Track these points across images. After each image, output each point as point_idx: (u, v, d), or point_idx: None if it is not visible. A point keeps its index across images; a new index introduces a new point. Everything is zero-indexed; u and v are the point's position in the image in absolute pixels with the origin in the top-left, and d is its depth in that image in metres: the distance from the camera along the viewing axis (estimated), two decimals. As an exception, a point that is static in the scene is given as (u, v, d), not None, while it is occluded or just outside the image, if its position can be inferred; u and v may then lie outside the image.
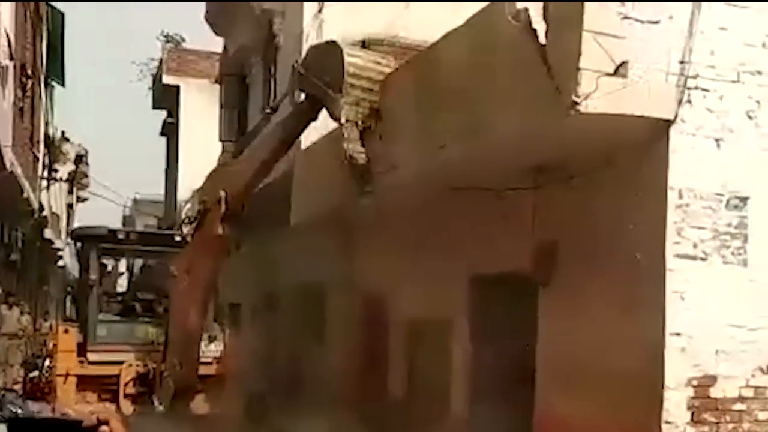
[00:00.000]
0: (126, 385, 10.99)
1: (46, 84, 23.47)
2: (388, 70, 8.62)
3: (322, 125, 11.40)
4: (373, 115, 8.42)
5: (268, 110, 11.56)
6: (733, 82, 6.20)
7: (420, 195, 8.78)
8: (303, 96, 9.14)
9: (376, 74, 8.52)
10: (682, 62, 6.13)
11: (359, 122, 8.45)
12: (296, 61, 9.29)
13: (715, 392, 5.91)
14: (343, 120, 8.40)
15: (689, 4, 6.15)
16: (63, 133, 26.39)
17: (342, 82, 8.26)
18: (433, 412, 8.74)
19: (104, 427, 1.47)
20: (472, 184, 7.76)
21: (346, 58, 8.29)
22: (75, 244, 13.02)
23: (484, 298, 8.30)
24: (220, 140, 16.94)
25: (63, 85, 24.67)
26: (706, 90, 6.16)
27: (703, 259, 6.00)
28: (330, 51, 8.65)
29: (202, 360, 10.71)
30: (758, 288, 6.04)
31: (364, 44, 11.98)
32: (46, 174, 24.89)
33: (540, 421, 7.09)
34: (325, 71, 8.55)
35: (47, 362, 12.77)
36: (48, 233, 25.10)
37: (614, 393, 6.19)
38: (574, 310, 6.82)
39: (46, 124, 24.82)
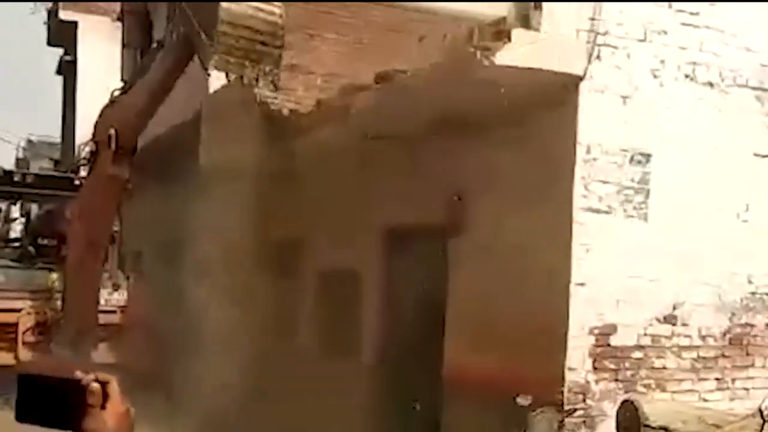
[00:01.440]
0: (24, 333, 10.65)
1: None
2: (270, 18, 8.14)
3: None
4: (247, 64, 7.95)
5: (155, 45, 11.08)
6: (640, 40, 6.36)
7: (333, 143, 8.72)
8: (180, 29, 8.67)
9: (256, 23, 8.04)
10: (592, 19, 6.25)
11: (228, 73, 8.02)
12: None
13: (615, 340, 6.18)
14: (210, 70, 8.00)
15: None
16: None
17: (214, 29, 7.83)
18: (343, 362, 8.83)
19: (95, 385, 1.39)
20: (385, 133, 7.75)
21: (223, 5, 7.84)
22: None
23: (395, 249, 8.38)
24: (122, 81, 16.36)
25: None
26: (615, 47, 6.31)
27: (607, 213, 6.20)
28: None
29: (106, 309, 10.47)
30: (658, 241, 6.30)
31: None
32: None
33: (449, 370, 7.26)
34: (201, 13, 8.09)
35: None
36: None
37: (520, 341, 6.38)
38: (483, 262, 6.96)
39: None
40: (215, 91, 11.42)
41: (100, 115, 9.62)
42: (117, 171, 9.13)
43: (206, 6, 7.90)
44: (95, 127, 9.70)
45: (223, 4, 7.65)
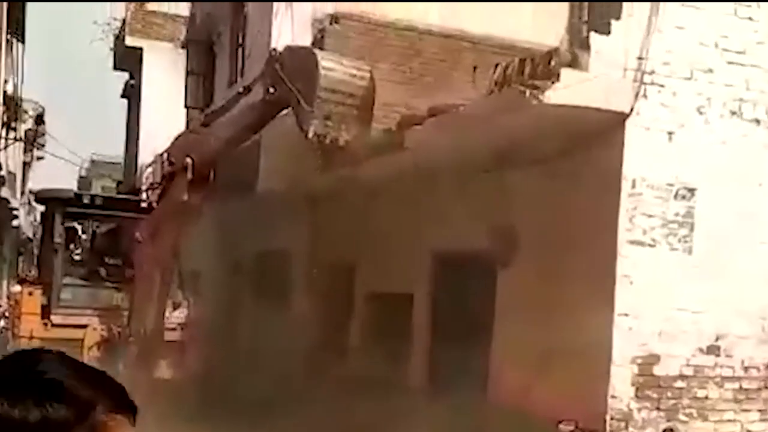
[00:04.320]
0: (90, 349, 11.13)
1: (7, 41, 23.12)
2: (363, 83, 8.41)
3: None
4: (343, 128, 8.31)
5: (240, 90, 11.61)
6: (686, 79, 6.57)
7: (387, 172, 9.03)
8: (273, 89, 9.04)
9: (350, 87, 8.38)
10: (639, 58, 6.48)
11: (326, 136, 8.37)
12: (273, 50, 9.27)
13: (658, 370, 6.34)
14: (310, 135, 8.34)
15: (648, 2, 6.49)
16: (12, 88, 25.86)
17: (314, 95, 8.12)
18: (392, 384, 9.09)
19: None
20: (439, 165, 8.04)
21: (321, 71, 8.16)
22: (31, 205, 12.95)
23: (445, 275, 8.64)
24: (185, 107, 16.97)
25: (23, 42, 24.32)
26: (661, 86, 6.53)
27: (651, 246, 6.40)
28: (306, 58, 8.49)
29: (167, 326, 10.90)
30: (701, 274, 6.46)
31: (334, 19, 12.16)
32: (4, 133, 24.59)
33: (495, 391, 7.48)
34: (298, 77, 8.41)
35: (1, 323, 12.82)
36: (5, 192, 24.89)
37: (565, 368, 6.58)
38: (530, 289, 7.19)
39: (6, 81, 24.46)
40: (274, 120, 11.86)
41: (177, 141, 10.11)
42: (191, 198, 9.59)
43: (304, 70, 8.31)
44: (171, 151, 10.18)
45: (323, 71, 8.04)
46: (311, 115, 8.06)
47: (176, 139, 10.09)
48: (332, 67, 8.20)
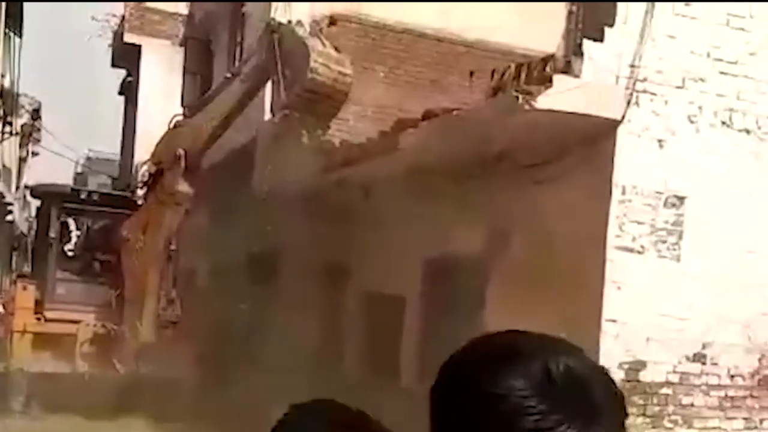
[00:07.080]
0: (82, 344, 11.17)
1: (4, 35, 23.12)
2: (342, 88, 8.64)
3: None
4: (307, 118, 8.68)
5: (228, 74, 11.71)
6: (678, 87, 6.63)
7: (379, 173, 9.09)
8: (263, 56, 9.24)
9: (328, 90, 8.56)
10: (632, 66, 6.54)
11: (307, 131, 8.74)
12: (270, 22, 9.45)
13: (644, 376, 6.39)
14: (275, 120, 8.69)
15: (642, 10, 6.55)
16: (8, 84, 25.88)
17: (293, 90, 8.47)
18: (384, 383, 9.13)
19: None
20: (432, 168, 8.09)
21: (309, 74, 8.35)
22: (26, 200, 13.03)
23: (436, 277, 8.69)
24: (182, 105, 16.99)
25: (20, 37, 24.31)
26: (653, 94, 6.59)
27: (640, 253, 6.45)
28: (300, 50, 8.67)
29: (161, 323, 10.94)
30: (689, 282, 6.52)
31: (331, 21, 12.21)
32: (0, 127, 24.58)
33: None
34: (288, 62, 8.64)
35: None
36: (0, 187, 24.89)
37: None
38: (520, 293, 7.23)
39: (2, 76, 24.46)
40: (270, 120, 11.91)
41: (164, 138, 10.20)
42: (184, 188, 9.75)
43: (294, 60, 8.58)
44: (158, 149, 10.26)
45: (310, 74, 8.31)
46: (284, 104, 8.39)
47: (163, 137, 10.21)
48: (320, 71, 8.42)
